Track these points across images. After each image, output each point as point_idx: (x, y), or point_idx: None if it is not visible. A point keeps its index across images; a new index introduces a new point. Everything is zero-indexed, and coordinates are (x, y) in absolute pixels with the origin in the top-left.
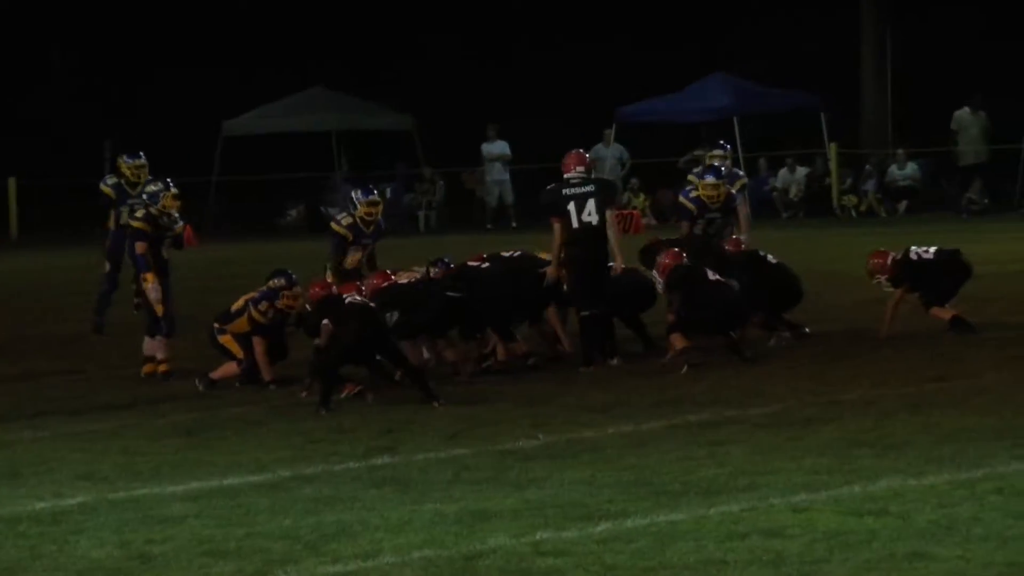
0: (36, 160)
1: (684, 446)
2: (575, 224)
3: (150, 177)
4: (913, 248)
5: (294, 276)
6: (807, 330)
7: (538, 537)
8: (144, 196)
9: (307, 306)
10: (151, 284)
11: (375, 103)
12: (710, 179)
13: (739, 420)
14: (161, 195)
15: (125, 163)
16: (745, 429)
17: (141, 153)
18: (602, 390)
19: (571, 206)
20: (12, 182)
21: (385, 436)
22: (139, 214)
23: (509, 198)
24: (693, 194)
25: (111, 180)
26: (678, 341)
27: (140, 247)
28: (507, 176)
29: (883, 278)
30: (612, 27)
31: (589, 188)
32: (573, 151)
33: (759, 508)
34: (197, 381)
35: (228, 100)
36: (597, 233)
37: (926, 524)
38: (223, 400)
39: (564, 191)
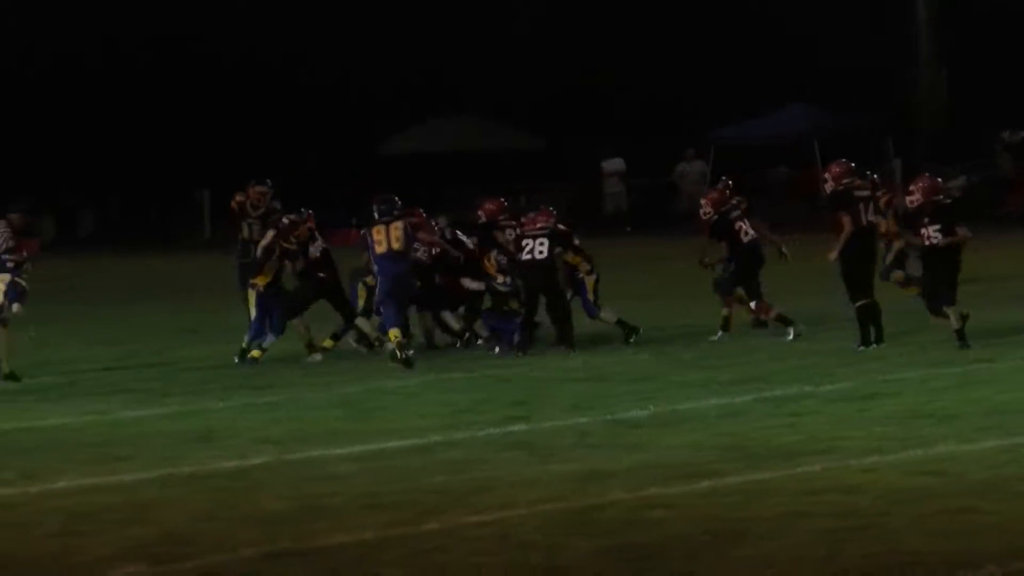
0: (226, 177)
1: (769, 416)
2: (863, 222)
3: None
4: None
5: None
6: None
7: (648, 492)
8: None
9: None
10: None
11: (512, 127)
12: None
13: (814, 395)
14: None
15: (253, 188)
16: (820, 403)
17: (268, 181)
18: (698, 370)
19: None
20: (207, 193)
21: (518, 407)
22: None
23: (624, 206)
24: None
25: (239, 197)
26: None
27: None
28: (622, 188)
29: None
30: (702, 61)
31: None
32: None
33: (834, 469)
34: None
35: (382, 124)
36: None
37: (976, 483)
38: (382, 376)
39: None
